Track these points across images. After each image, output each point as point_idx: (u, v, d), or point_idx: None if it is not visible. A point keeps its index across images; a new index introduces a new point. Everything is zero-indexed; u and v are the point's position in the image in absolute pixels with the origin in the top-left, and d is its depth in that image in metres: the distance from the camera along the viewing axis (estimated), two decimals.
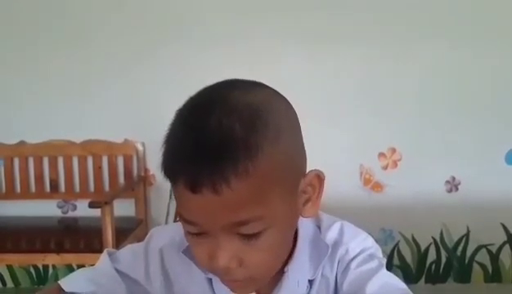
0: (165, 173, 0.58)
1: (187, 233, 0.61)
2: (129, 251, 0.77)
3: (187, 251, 0.68)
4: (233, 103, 0.57)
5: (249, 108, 0.57)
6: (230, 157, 0.54)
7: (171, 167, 0.57)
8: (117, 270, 0.75)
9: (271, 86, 0.64)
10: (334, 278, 0.69)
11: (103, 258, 0.77)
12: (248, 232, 0.57)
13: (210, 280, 0.69)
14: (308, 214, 0.64)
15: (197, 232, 0.59)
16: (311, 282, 0.68)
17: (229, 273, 0.60)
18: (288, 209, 0.61)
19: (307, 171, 0.63)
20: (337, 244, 0.69)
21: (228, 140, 0.54)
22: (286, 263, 0.67)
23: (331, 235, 0.70)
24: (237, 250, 0.58)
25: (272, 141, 0.56)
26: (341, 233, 0.70)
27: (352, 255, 0.68)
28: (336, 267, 0.69)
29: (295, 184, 0.61)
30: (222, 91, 0.59)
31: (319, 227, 0.71)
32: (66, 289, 0.73)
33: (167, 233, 0.74)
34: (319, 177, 0.63)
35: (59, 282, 0.74)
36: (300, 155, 0.63)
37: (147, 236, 0.77)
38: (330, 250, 0.68)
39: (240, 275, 0.60)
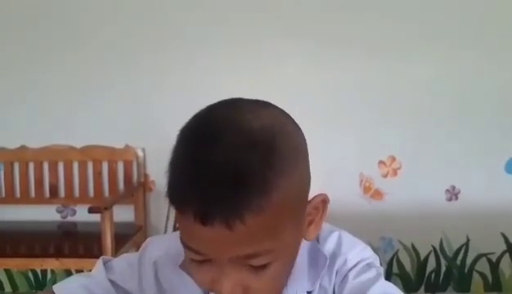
0: (172, 201, 0.56)
1: (190, 260, 0.59)
2: (124, 261, 0.77)
3: (185, 266, 0.66)
4: (247, 130, 0.54)
5: (264, 137, 0.54)
6: (245, 192, 0.52)
7: (179, 195, 0.55)
8: (111, 281, 0.75)
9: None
10: (332, 289, 0.68)
11: (98, 266, 0.77)
12: (257, 264, 0.56)
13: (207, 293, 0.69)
14: (311, 236, 0.64)
15: (201, 259, 0.58)
16: (309, 293, 0.68)
17: None
18: (297, 238, 0.61)
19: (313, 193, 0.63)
20: (335, 255, 0.69)
21: (244, 173, 0.52)
22: None
23: (329, 246, 0.69)
24: (243, 279, 0.57)
25: (288, 176, 0.55)
26: (339, 243, 0.70)
27: (350, 265, 0.68)
28: (334, 278, 0.68)
29: (303, 212, 0.61)
30: (232, 115, 0.56)
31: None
32: None
33: (162, 245, 0.73)
34: (324, 201, 0.63)
35: (53, 287, 0.74)
36: (309, 182, 0.61)
37: (142, 246, 0.76)
38: (328, 262, 0.67)
39: None
